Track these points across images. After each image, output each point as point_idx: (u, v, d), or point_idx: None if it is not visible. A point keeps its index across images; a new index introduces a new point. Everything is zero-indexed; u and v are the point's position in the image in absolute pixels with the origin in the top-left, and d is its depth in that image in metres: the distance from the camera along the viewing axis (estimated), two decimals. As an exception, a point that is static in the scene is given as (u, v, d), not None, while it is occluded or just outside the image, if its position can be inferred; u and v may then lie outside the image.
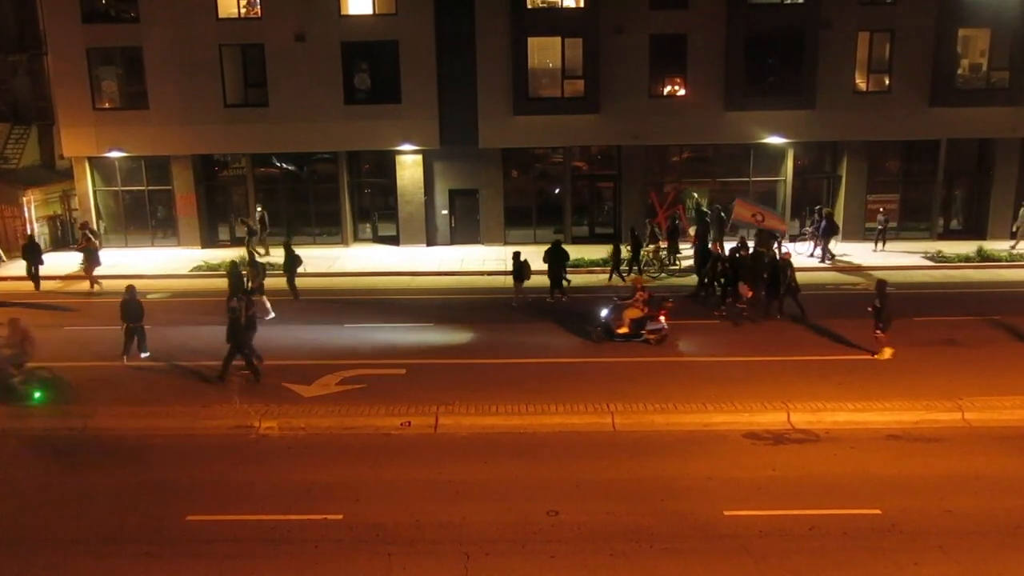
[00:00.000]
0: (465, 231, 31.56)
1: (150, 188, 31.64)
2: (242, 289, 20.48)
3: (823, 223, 27.72)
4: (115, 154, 30.84)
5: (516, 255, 22.76)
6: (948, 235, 31.34)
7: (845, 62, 29.85)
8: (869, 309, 17.80)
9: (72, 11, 29.73)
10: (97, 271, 25.40)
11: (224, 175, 32.72)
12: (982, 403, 15.21)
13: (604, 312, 19.31)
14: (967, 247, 28.68)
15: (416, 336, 20.14)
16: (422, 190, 31.30)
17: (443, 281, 26.52)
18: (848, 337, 19.18)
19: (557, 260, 22.84)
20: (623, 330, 18.89)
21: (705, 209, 29.22)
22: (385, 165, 31.72)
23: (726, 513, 11.64)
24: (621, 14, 29.44)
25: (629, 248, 25.59)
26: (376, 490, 12.47)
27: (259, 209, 30.34)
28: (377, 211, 32.78)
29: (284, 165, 32.27)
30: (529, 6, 29.28)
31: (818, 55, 29.37)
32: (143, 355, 18.53)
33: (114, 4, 30.37)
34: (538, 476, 12.87)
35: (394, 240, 31.91)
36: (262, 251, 28.48)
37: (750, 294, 21.04)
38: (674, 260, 27.30)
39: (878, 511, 11.62)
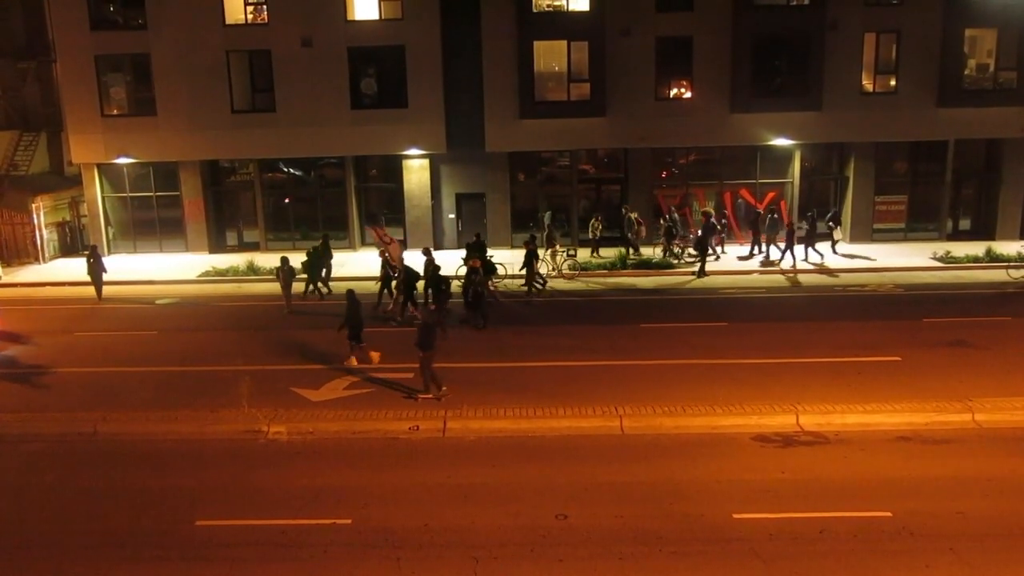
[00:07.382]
0: (472, 234, 31.49)
1: (158, 194, 31.80)
2: None
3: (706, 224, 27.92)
4: (123, 160, 30.99)
5: (284, 260, 23.19)
6: (957, 236, 31.25)
7: (851, 63, 29.78)
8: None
9: (81, 18, 29.92)
10: (104, 276, 25.46)
11: (232, 180, 32.85)
12: (992, 404, 15.14)
13: None
14: (976, 247, 28.57)
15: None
16: (429, 194, 31.37)
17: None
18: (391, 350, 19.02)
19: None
20: None
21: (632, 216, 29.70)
22: (392, 169, 31.79)
23: (735, 516, 11.61)
24: (627, 17, 29.48)
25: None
26: (384, 494, 12.48)
27: None
28: (384, 215, 32.78)
29: (291, 170, 32.38)
30: (535, 10, 29.29)
31: (824, 56, 29.33)
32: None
33: (122, 11, 30.54)
34: (546, 479, 12.86)
35: (401, 244, 31.88)
36: None
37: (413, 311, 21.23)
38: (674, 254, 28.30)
39: (888, 513, 11.57)
